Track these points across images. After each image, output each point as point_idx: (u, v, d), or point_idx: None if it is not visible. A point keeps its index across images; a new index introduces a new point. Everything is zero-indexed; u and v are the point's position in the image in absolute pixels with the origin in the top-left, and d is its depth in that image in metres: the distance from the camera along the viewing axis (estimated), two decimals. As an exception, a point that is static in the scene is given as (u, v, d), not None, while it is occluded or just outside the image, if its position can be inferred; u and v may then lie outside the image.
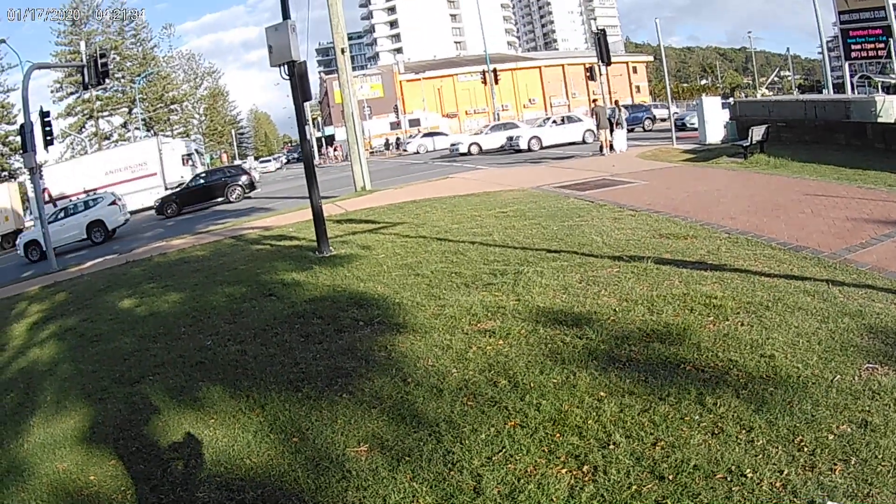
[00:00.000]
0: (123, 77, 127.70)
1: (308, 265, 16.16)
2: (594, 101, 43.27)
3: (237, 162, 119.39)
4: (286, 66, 17.98)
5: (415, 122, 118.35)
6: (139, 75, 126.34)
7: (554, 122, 58.11)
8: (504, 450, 6.33)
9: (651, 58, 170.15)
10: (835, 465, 5.46)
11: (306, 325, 11.42)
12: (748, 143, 28.26)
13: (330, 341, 10.36)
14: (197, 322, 12.85)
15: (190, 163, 69.04)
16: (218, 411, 8.46)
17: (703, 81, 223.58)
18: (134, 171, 64.44)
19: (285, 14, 18.33)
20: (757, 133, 28.46)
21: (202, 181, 51.52)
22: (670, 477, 5.55)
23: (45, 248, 32.06)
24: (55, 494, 7.23)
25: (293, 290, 13.91)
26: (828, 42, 62.66)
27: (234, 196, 49.10)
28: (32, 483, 7.59)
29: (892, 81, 53.25)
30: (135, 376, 10.39)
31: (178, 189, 53.99)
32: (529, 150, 53.46)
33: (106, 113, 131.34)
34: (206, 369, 10.12)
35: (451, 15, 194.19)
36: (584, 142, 53.88)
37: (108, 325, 14.03)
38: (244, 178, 50.87)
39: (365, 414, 7.63)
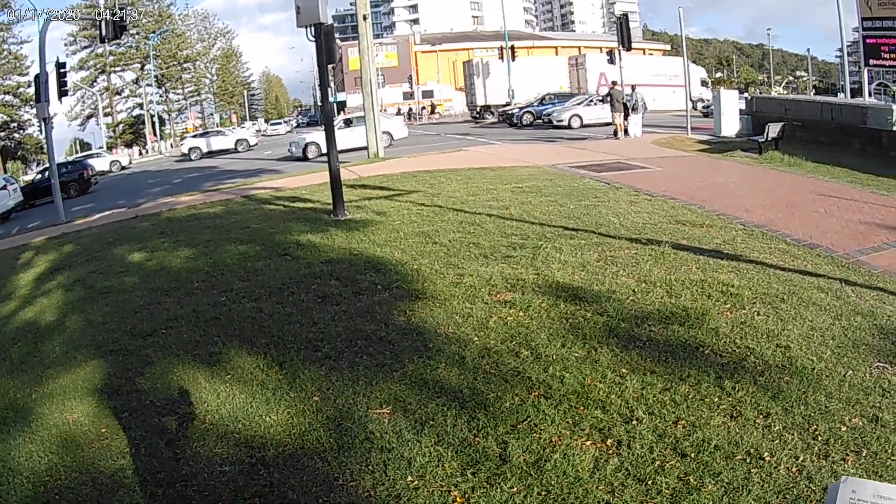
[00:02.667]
0: (138, 33, 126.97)
1: (323, 227, 16.16)
2: (613, 83, 42.87)
3: (247, 123, 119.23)
4: (313, 28, 17.88)
5: (428, 94, 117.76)
6: (154, 32, 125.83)
7: (594, 101, 55.27)
8: (529, 419, 6.40)
9: (668, 46, 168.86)
10: (847, 455, 5.58)
11: (323, 286, 11.43)
12: (764, 139, 28.14)
13: (348, 303, 10.38)
14: (210, 278, 12.84)
15: (706, 87, 79.12)
16: (235, 367, 8.48)
17: (719, 74, 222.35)
18: (670, 79, 73.04)
19: None
20: (773, 130, 28.35)
21: None
22: (692, 455, 5.65)
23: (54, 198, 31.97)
24: (64, 445, 7.21)
25: (309, 251, 13.92)
26: (848, 46, 62.35)
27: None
28: (41, 434, 7.55)
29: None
30: (147, 329, 10.38)
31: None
32: (569, 126, 51.72)
33: (118, 68, 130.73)
34: (221, 325, 10.13)
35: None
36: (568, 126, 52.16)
37: (117, 278, 14.00)
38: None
39: (386, 376, 7.66)
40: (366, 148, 39.64)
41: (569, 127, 51.07)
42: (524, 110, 63.64)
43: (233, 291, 11.74)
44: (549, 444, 5.98)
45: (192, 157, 48.20)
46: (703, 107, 63.15)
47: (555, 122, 53.40)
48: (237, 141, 66.09)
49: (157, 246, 16.63)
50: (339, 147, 43.54)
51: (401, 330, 9.04)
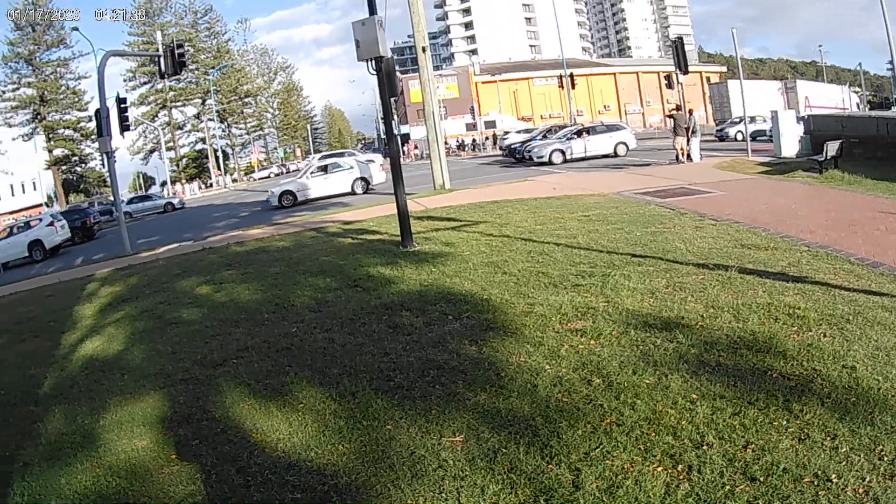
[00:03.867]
0: (197, 69, 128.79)
1: (392, 259, 16.28)
2: (676, 107, 42.65)
3: (310, 157, 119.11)
4: (374, 62, 18.10)
5: (490, 124, 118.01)
6: (213, 67, 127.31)
7: (585, 131, 53.18)
8: (601, 446, 6.40)
9: (724, 68, 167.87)
10: None
11: (394, 316, 11.50)
12: (823, 158, 27.97)
13: (419, 334, 10.44)
14: (280, 309, 13.01)
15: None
16: (307, 397, 8.56)
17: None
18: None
19: (372, 9, 18.35)
20: (832, 148, 28.13)
21: None
22: (761, 478, 5.63)
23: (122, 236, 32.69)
24: (132, 471, 7.33)
25: (379, 283, 14.03)
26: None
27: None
28: (108, 459, 7.69)
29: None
30: (217, 359, 10.56)
31: None
32: (550, 162, 50.00)
33: (179, 103, 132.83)
34: (292, 355, 10.26)
35: (526, 18, 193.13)
36: (615, 154, 50.93)
37: (186, 309, 14.25)
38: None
39: (459, 406, 7.70)
40: (346, 194, 40.68)
41: (550, 163, 49.91)
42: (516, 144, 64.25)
43: (304, 322, 11.90)
44: (622, 471, 5.99)
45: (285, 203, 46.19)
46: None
47: (535, 159, 52.01)
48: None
49: (225, 278, 16.95)
50: (320, 193, 43.64)
51: (472, 360, 9.08)
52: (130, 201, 79.68)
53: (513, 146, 66.38)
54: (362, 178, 45.13)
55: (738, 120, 65.76)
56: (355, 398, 8.30)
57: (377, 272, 15.05)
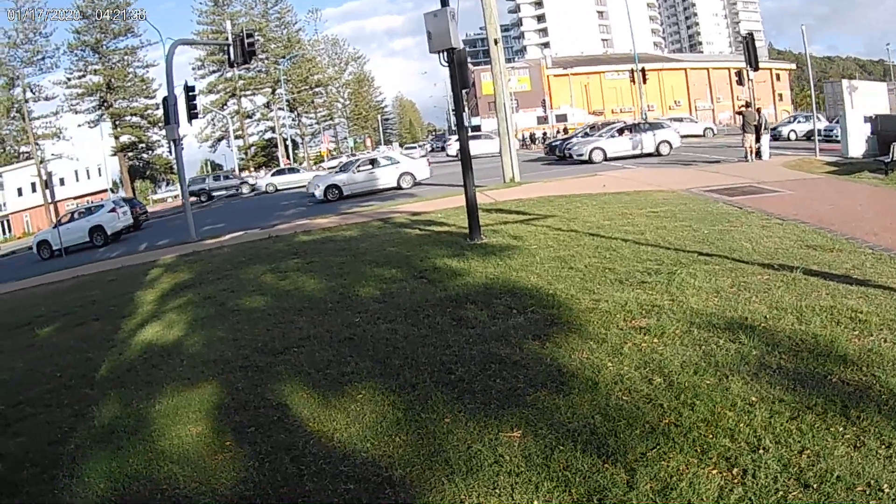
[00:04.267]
0: (267, 58, 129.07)
1: (459, 251, 16.29)
2: (746, 104, 42.12)
3: (382, 148, 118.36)
4: (445, 53, 18.11)
5: (561, 118, 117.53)
6: (283, 57, 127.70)
7: (626, 129, 51.94)
8: (658, 447, 6.36)
9: (793, 66, 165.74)
10: None
11: (458, 309, 11.51)
12: (889, 160, 27.51)
13: (483, 327, 10.43)
14: (344, 299, 13.06)
15: None
16: (367, 387, 8.57)
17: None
18: None
19: (444, 1, 18.38)
20: (897, 150, 27.71)
21: None
22: (815, 485, 5.57)
23: (186, 221, 33.08)
24: (185, 456, 7.40)
25: (444, 275, 14.04)
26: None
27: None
28: (162, 444, 7.78)
29: None
30: (278, 347, 10.63)
31: None
32: (591, 160, 47.90)
33: (248, 92, 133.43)
34: (354, 345, 10.28)
35: (598, 12, 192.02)
36: (658, 152, 49.40)
37: (249, 297, 14.37)
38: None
39: (518, 401, 7.66)
40: (392, 189, 41.93)
41: (590, 161, 47.90)
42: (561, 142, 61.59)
43: (367, 313, 11.94)
44: (677, 473, 5.95)
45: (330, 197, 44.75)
46: None
47: (575, 157, 50.13)
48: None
49: (290, 267, 17.09)
50: (366, 188, 44.17)
51: (535, 355, 9.04)
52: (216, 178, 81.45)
53: (553, 143, 65.16)
54: (409, 173, 44.88)
55: (791, 119, 64.80)
56: (415, 390, 8.32)
57: (443, 264, 15.07)
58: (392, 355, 9.65)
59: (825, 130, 58.03)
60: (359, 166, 46.26)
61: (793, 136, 58.33)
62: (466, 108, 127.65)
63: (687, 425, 6.72)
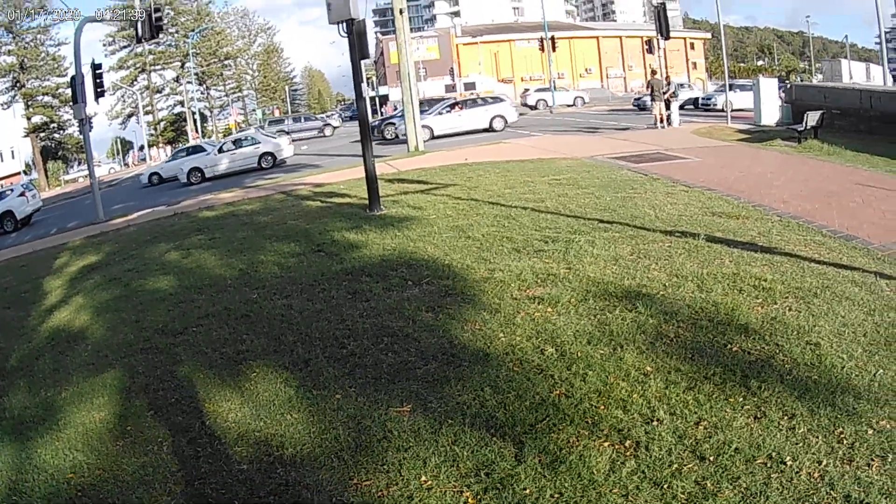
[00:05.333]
0: (177, 32, 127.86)
1: (359, 223, 16.22)
2: (653, 72, 42.50)
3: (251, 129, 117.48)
4: (344, 24, 17.96)
5: (470, 86, 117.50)
6: (193, 30, 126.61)
7: (457, 105, 49.96)
8: (547, 418, 6.31)
9: (709, 35, 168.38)
10: (872, 460, 5.39)
11: (354, 282, 11.47)
12: (803, 128, 28.01)
13: (377, 299, 10.40)
14: (244, 275, 12.99)
15: None
16: (261, 365, 8.52)
17: (760, 62, 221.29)
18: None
19: None
20: (812, 118, 28.16)
21: None
22: (711, 458, 5.51)
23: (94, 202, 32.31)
24: (89, 444, 7.31)
25: (343, 248, 13.99)
26: (886, 32, 61.63)
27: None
28: (68, 432, 7.68)
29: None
30: (178, 327, 10.53)
31: None
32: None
33: (158, 67, 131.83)
34: (250, 322, 10.22)
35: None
36: (491, 128, 47.22)
37: (153, 277, 14.25)
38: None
39: (409, 374, 7.65)
40: (254, 170, 41.77)
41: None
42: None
43: (265, 288, 11.84)
44: (566, 445, 5.88)
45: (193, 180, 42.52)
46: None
47: (399, 136, 46.53)
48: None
49: (193, 244, 16.90)
50: (227, 170, 43.76)
51: (428, 327, 9.00)
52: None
53: (387, 119, 60.48)
54: (269, 154, 44.78)
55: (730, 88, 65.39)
56: (307, 366, 8.27)
57: (342, 237, 15.00)
58: (286, 331, 9.61)
59: (703, 100, 58.86)
60: (221, 148, 46.17)
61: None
62: (375, 77, 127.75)
63: (578, 397, 6.65)
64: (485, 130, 46.51)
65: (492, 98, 53.16)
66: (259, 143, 45.82)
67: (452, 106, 49.76)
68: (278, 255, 14.20)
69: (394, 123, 52.40)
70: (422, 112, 45.93)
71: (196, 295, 12.20)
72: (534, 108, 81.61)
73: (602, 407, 6.41)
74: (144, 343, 10.11)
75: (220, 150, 45.24)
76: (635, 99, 70.63)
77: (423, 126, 42.65)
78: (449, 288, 10.51)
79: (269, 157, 44.45)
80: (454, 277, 11.00)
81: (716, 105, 53.99)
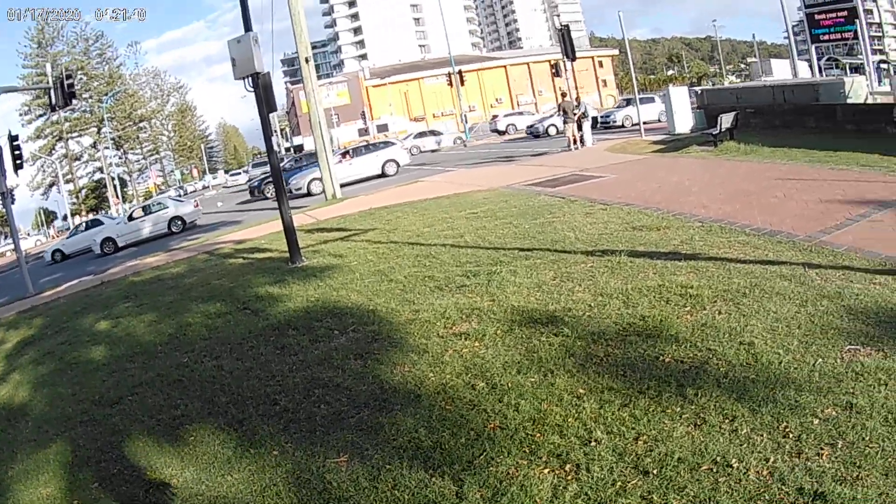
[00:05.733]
0: (91, 97, 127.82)
1: (281, 277, 16.14)
2: (563, 95, 42.88)
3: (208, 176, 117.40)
4: (250, 79, 17.96)
5: (382, 128, 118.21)
6: (107, 94, 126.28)
7: (347, 154, 49.10)
8: (485, 452, 6.27)
9: (616, 51, 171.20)
10: (822, 449, 5.42)
11: (281, 336, 11.40)
12: (717, 131, 28.34)
13: (305, 352, 10.32)
14: (173, 340, 12.85)
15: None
16: (197, 429, 8.41)
17: (670, 72, 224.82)
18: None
19: (247, 26, 18.35)
20: (726, 120, 28.55)
21: None
22: (654, 471, 5.50)
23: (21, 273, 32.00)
24: None
25: (267, 303, 13.90)
26: (793, 26, 62.89)
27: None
28: None
29: (860, 62, 53.78)
30: (114, 397, 10.40)
31: None
32: (310, 193, 45.07)
33: (75, 134, 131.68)
34: (183, 387, 10.10)
35: (415, 18, 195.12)
36: (384, 174, 47.52)
37: (85, 348, 14.04)
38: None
39: (343, 424, 7.58)
40: (164, 235, 41.54)
41: (309, 194, 45.02)
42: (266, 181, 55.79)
43: (194, 351, 11.74)
44: (507, 477, 5.84)
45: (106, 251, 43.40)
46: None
47: (294, 191, 45.30)
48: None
49: (122, 312, 16.71)
50: (139, 237, 43.61)
51: (357, 375, 8.95)
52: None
53: (252, 183, 62.53)
54: (178, 218, 44.81)
55: (624, 104, 65.48)
56: (242, 426, 8.19)
57: (265, 292, 14.93)
58: (219, 393, 9.52)
59: (601, 118, 59.25)
60: (131, 215, 45.63)
61: (628, 122, 58.36)
62: (289, 128, 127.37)
63: (513, 427, 6.62)
64: (378, 177, 46.69)
65: (382, 143, 53.17)
66: (168, 207, 45.69)
67: (343, 155, 49.08)
68: (205, 316, 14.09)
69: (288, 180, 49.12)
70: (312, 164, 47.16)
71: (128, 363, 12.08)
72: (503, 132, 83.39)
73: (538, 434, 6.38)
74: (83, 415, 10.00)
75: (131, 218, 45.09)
76: (528, 127, 70.61)
77: (314, 179, 43.69)
78: (375, 333, 10.47)
79: (179, 222, 44.39)
80: (379, 322, 10.97)
81: (615, 121, 54.59)
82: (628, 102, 59.49)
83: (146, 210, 45.99)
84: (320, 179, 42.59)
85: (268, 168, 57.30)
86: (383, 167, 47.90)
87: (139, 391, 10.38)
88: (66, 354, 13.88)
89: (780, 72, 61.13)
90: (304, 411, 8.20)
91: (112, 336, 14.46)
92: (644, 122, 43.45)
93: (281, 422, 8.04)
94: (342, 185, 42.05)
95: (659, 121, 46.12)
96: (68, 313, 18.84)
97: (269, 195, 51.23)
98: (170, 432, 8.54)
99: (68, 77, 34.73)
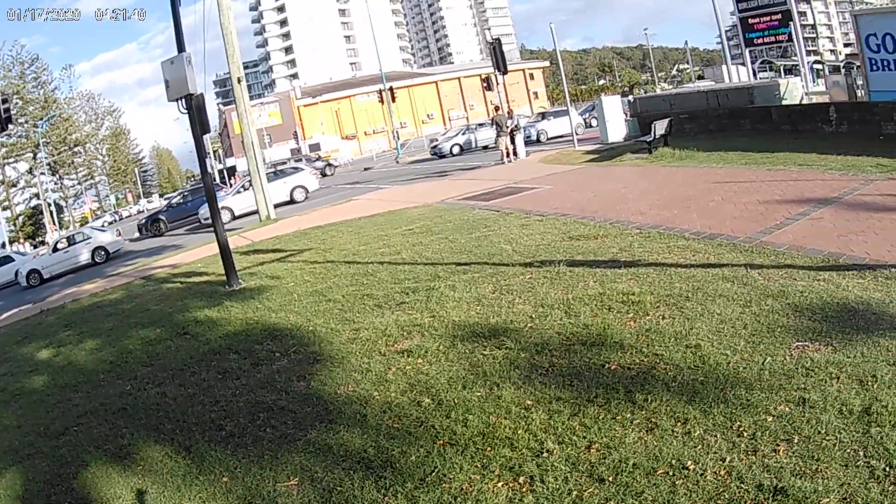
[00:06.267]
0: (26, 122, 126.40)
1: (219, 300, 16.07)
2: (496, 108, 42.98)
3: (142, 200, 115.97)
4: (184, 100, 17.86)
5: (315, 147, 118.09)
6: (42, 119, 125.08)
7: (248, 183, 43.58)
8: (436, 469, 6.24)
9: (547, 63, 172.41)
10: (778, 445, 5.51)
11: (223, 361, 11.33)
12: (652, 138, 28.57)
13: (248, 376, 10.26)
14: (115, 367, 12.70)
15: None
16: (144, 458, 8.32)
17: (602, 82, 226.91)
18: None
19: (180, 47, 18.27)
20: (660, 127, 28.85)
21: None
22: (610, 478, 5.51)
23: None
24: None
25: (207, 327, 13.81)
26: (726, 31, 63.71)
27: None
28: None
29: (794, 64, 54.58)
30: (59, 428, 10.25)
31: None
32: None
33: (11, 160, 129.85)
34: (128, 415, 9.98)
35: (346, 36, 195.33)
36: (292, 200, 46.15)
37: (28, 378, 13.84)
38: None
39: (291, 447, 7.53)
40: (88, 266, 41.13)
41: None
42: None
43: (137, 379, 11.61)
44: (461, 492, 5.82)
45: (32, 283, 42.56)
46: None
47: (202, 222, 45.61)
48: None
49: (63, 340, 16.47)
50: (63, 269, 43.20)
51: (301, 396, 8.91)
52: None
53: (141, 223, 57.82)
54: (101, 248, 44.18)
55: (539, 118, 65.10)
56: (190, 453, 8.10)
57: (204, 316, 14.85)
58: (164, 420, 9.41)
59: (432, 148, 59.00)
60: (55, 246, 45.17)
61: (543, 136, 57.34)
62: (221, 149, 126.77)
63: (463, 442, 6.60)
64: (286, 203, 45.62)
65: (291, 168, 52.56)
66: (91, 238, 45.19)
67: (245, 186, 46.90)
68: (145, 342, 13.93)
69: (197, 213, 49.38)
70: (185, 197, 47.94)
71: (72, 393, 11.90)
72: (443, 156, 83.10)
73: (489, 448, 6.37)
74: (29, 448, 9.82)
75: (55, 249, 44.72)
76: (432, 146, 67.76)
77: (223, 207, 41.92)
78: (317, 354, 10.43)
79: (102, 252, 43.86)
80: (320, 343, 10.94)
81: (531, 136, 54.28)
82: (543, 116, 59.71)
83: (70, 241, 45.62)
84: (228, 209, 43.75)
85: (176, 199, 57.45)
86: (291, 193, 47.20)
87: (84, 421, 10.25)
88: (10, 385, 13.70)
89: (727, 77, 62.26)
90: (250, 435, 8.14)
91: (54, 365, 14.29)
92: (559, 136, 43.67)
93: (228, 447, 7.96)
94: (248, 214, 42.73)
95: (576, 133, 46.05)
96: (9, 342, 18.60)
97: (163, 231, 51.04)
98: (118, 462, 8.43)
99: (4, 101, 34.33)
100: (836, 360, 6.74)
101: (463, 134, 64.57)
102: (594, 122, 53.36)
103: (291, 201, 46.15)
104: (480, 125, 65.35)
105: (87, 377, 12.50)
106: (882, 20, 24.95)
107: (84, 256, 43.60)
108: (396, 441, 6.96)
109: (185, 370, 11.32)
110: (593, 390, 6.98)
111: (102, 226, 53.52)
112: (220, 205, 40.50)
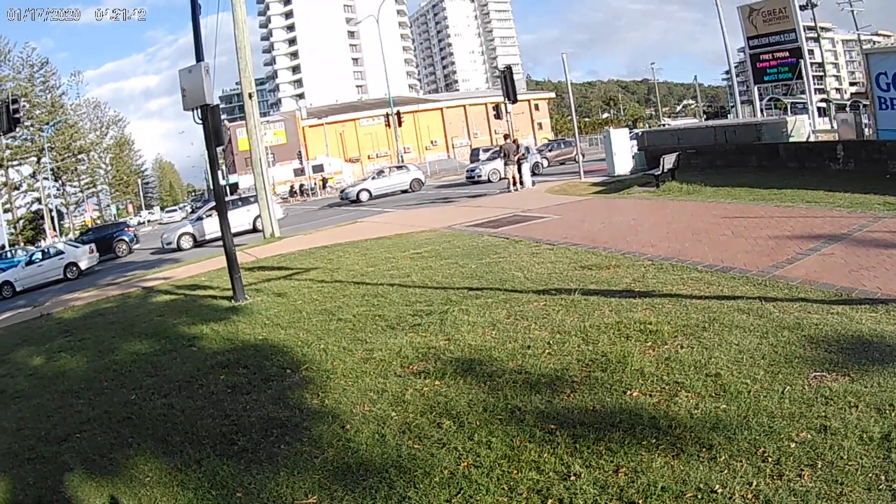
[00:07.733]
0: (32, 125, 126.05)
1: (225, 314, 16.01)
2: (505, 137, 43.15)
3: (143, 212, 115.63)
4: (199, 110, 17.83)
5: (318, 168, 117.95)
6: (48, 123, 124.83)
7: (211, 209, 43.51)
8: (462, 491, 6.18)
9: (552, 94, 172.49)
10: (802, 470, 5.53)
11: (231, 375, 11.22)
12: (660, 172, 28.62)
13: (258, 391, 10.16)
14: (119, 376, 12.57)
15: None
16: (152, 470, 8.17)
17: (605, 115, 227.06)
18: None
19: (199, 56, 18.18)
20: (668, 161, 28.88)
21: None
22: (640, 502, 5.49)
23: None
24: None
25: (213, 340, 13.73)
26: (735, 66, 63.97)
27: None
28: None
29: (802, 102, 54.80)
30: (61, 434, 10.12)
31: None
32: (179, 248, 44.25)
33: (15, 162, 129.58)
34: (133, 425, 9.85)
35: (353, 59, 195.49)
36: (254, 229, 45.04)
37: (27, 381, 13.75)
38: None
39: (307, 464, 7.42)
40: (61, 280, 40.93)
41: (179, 249, 44.07)
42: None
43: (142, 389, 11.48)
44: None
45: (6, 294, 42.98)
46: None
47: (164, 247, 45.74)
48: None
49: (63, 346, 16.39)
50: (35, 283, 43.20)
51: (315, 414, 8.82)
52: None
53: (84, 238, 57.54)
54: (73, 264, 44.43)
55: (543, 147, 64.66)
56: (201, 466, 7.96)
57: (210, 329, 14.76)
58: (171, 432, 9.28)
59: (468, 172, 58.22)
60: (31, 259, 45.35)
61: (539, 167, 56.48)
62: (224, 165, 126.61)
63: (487, 464, 6.55)
64: (249, 231, 45.33)
65: (254, 197, 51.00)
66: (64, 253, 45.36)
67: (212, 210, 44.43)
68: (150, 352, 13.84)
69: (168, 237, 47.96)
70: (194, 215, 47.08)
71: (74, 399, 11.78)
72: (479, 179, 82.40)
73: (515, 471, 6.32)
74: (29, 452, 9.70)
75: (30, 263, 44.82)
76: (468, 172, 62.78)
77: (184, 233, 43.91)
78: (329, 372, 10.35)
79: (74, 268, 44.05)
80: (333, 360, 10.87)
81: (481, 176, 53.08)
82: (496, 155, 59.23)
83: (45, 254, 45.95)
84: (190, 235, 44.17)
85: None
86: (254, 222, 45.72)
87: (87, 428, 10.12)
88: (8, 388, 13.60)
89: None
90: (264, 451, 8.02)
91: (55, 370, 14.18)
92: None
93: (241, 462, 7.84)
94: (208, 242, 42.89)
95: (534, 173, 45.19)
96: (8, 346, 18.47)
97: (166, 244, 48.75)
98: (124, 472, 8.29)
99: (14, 102, 34.31)
100: (854, 389, 6.81)
101: (373, 179, 62.49)
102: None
103: (254, 230, 45.10)
104: (399, 167, 64.81)
105: (90, 384, 12.45)
106: (893, 59, 25.08)
107: (56, 271, 43.93)
108: (419, 462, 6.89)
109: (193, 382, 11.23)
110: (616, 415, 6.96)
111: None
112: (182, 231, 41.80)
